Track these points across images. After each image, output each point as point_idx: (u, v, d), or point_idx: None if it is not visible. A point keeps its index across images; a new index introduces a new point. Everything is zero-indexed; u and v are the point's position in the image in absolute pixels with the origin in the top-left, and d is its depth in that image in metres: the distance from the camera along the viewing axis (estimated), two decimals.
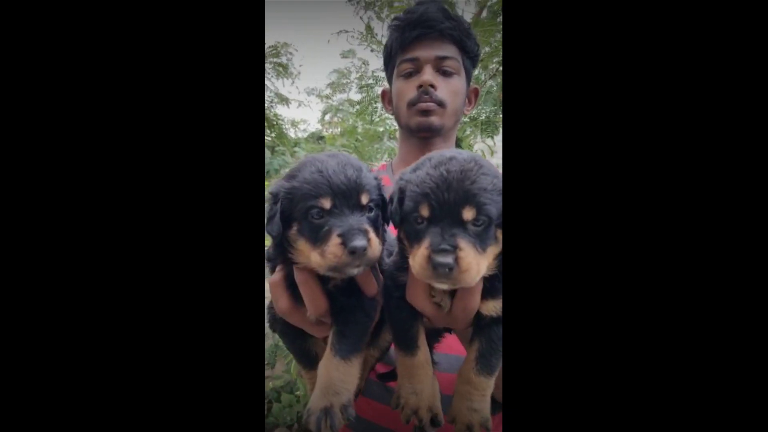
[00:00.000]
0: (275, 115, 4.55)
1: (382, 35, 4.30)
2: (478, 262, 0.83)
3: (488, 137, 3.49)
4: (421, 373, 0.96)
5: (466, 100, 1.77)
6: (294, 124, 5.52)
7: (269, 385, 4.02)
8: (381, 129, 4.79)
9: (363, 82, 4.48)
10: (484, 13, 3.44)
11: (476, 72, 3.53)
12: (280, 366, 4.09)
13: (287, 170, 0.98)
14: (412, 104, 1.61)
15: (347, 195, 0.89)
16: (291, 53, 5.31)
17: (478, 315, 0.94)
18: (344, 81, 5.52)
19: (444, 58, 1.61)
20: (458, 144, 3.40)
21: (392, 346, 1.21)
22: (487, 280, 0.91)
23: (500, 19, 3.35)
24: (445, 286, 0.86)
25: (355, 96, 4.68)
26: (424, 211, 0.86)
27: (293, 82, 5.46)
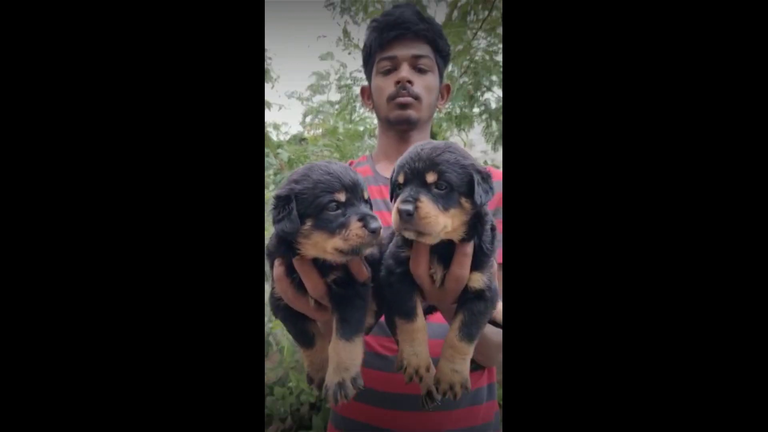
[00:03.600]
0: None
1: (358, 39, 4.48)
2: (437, 215, 1.02)
3: (462, 131, 3.68)
4: (419, 336, 1.14)
5: (440, 95, 1.95)
6: (276, 127, 5.63)
7: None
8: (361, 128, 4.94)
9: (342, 83, 4.65)
10: (455, 14, 3.64)
11: (450, 69, 3.73)
12: (270, 363, 4.19)
13: (287, 178, 1.15)
14: (391, 98, 1.77)
15: (355, 190, 1.07)
16: (270, 58, 5.42)
17: (465, 290, 1.13)
18: (323, 83, 5.67)
19: (419, 56, 1.78)
20: (434, 137, 3.58)
21: (378, 323, 1.39)
22: (474, 256, 1.11)
23: (470, 18, 3.57)
24: (412, 235, 1.05)
25: (335, 96, 4.85)
26: (401, 179, 1.08)
27: (273, 86, 5.58)
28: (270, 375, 4.10)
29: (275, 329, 3.61)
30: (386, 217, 1.67)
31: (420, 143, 1.12)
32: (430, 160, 1.05)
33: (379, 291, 1.21)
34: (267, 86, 5.37)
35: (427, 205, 1.01)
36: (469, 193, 1.06)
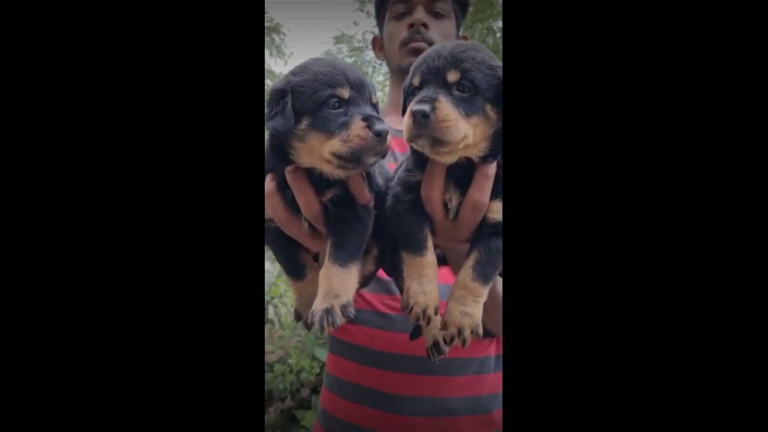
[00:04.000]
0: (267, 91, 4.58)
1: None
2: (457, 120, 0.87)
3: None
4: (429, 272, 1.00)
5: None
6: None
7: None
8: None
9: (353, 45, 4.54)
10: None
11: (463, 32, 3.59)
12: (271, 341, 4.13)
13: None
14: (404, 44, 1.65)
15: (362, 88, 0.93)
16: (284, 33, 5.36)
17: (481, 223, 0.99)
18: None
19: None
20: None
21: (377, 274, 1.26)
22: (495, 180, 0.96)
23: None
24: (426, 144, 0.90)
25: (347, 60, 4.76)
26: (416, 80, 0.93)
27: (286, 63, 5.52)
28: (270, 354, 4.04)
29: (275, 295, 3.52)
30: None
31: (441, 42, 0.99)
32: (452, 56, 0.90)
33: (381, 231, 1.07)
34: (280, 63, 5.32)
35: (447, 107, 0.87)
36: (496, 101, 0.91)
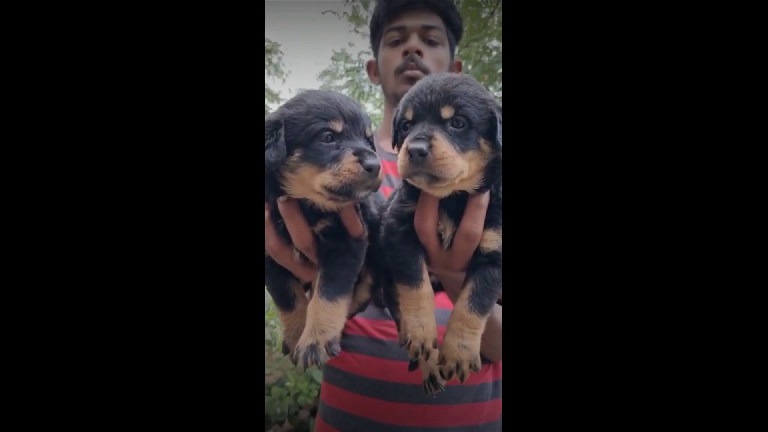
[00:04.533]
0: (266, 110, 4.63)
1: (367, 14, 4.40)
2: (454, 156, 0.87)
3: None
4: (426, 304, 0.98)
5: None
6: None
7: None
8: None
9: (348, 65, 4.57)
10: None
11: (458, 52, 3.62)
12: (268, 362, 4.08)
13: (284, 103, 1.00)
14: (399, 71, 1.66)
15: (355, 122, 0.93)
16: (282, 53, 5.42)
17: (476, 253, 0.98)
18: (336, 83, 5.63)
19: (430, 27, 1.67)
20: None
21: (371, 302, 1.24)
22: (488, 210, 0.96)
23: (485, 14, 3.48)
24: (422, 181, 0.89)
25: (342, 81, 4.77)
26: (409, 114, 0.93)
27: (284, 81, 5.57)
28: (268, 376, 3.99)
29: (271, 319, 3.49)
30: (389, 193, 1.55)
31: (431, 75, 0.97)
32: (445, 92, 0.90)
33: (375, 260, 1.06)
34: (278, 81, 5.37)
35: (443, 144, 0.86)
36: (489, 134, 0.90)
